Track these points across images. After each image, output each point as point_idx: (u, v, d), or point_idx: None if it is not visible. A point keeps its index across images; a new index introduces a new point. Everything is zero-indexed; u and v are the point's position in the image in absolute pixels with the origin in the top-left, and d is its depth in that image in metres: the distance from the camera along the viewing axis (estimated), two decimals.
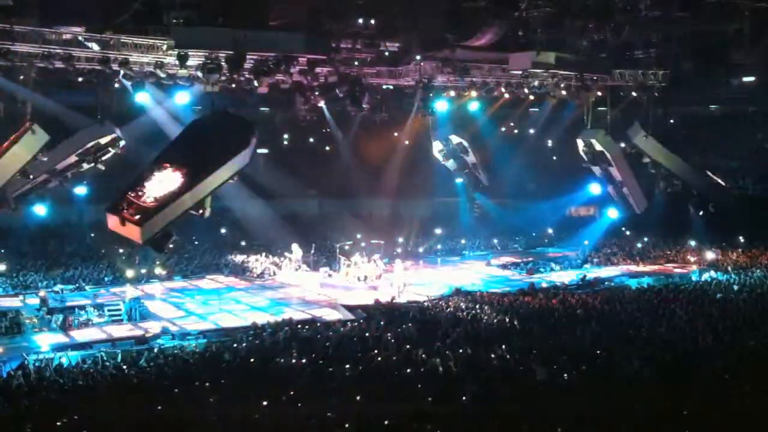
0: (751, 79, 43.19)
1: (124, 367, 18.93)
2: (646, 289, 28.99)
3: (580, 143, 35.36)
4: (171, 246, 22.53)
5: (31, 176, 27.52)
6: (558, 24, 34.02)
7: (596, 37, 35.09)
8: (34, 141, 25.90)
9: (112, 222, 20.85)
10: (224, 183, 22.89)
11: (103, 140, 28.81)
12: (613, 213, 38.53)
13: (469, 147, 39.19)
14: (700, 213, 36.89)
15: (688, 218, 39.10)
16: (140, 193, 21.00)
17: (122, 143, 29.39)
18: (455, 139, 38.98)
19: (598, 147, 34.67)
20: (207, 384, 17.08)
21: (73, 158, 28.93)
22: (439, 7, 32.38)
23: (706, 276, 32.52)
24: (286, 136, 48.76)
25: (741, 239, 39.82)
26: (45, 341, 22.59)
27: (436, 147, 39.39)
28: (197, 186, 21.58)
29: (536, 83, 35.01)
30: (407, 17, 32.94)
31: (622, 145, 35.81)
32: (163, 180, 21.51)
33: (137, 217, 20.35)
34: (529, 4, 31.74)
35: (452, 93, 36.39)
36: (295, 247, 34.20)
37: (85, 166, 29.40)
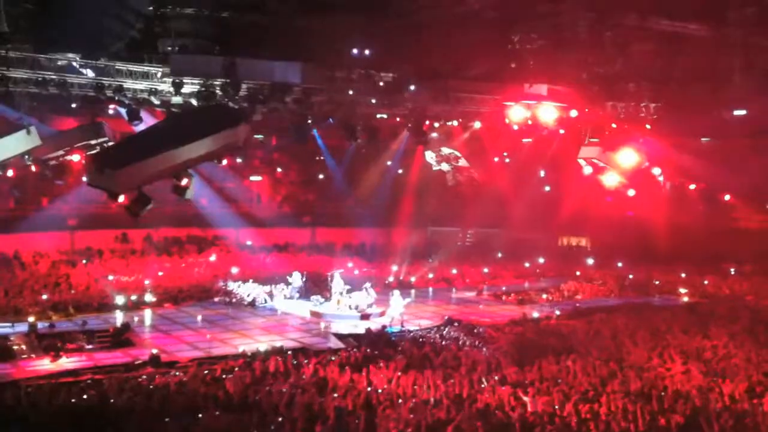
0: (743, 112, 43.53)
1: (111, 395, 18.76)
2: (638, 319, 28.94)
3: (581, 161, 36.04)
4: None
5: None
6: (551, 56, 34.42)
7: (589, 69, 35.50)
8: (26, 140, 26.41)
9: (90, 173, 21.14)
10: (204, 157, 22.96)
11: (94, 141, 28.91)
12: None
13: (461, 155, 39.64)
14: None
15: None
16: (120, 149, 21.45)
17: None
18: (447, 150, 39.41)
19: (599, 163, 35.37)
20: (195, 413, 16.93)
21: (60, 152, 29.17)
22: (432, 39, 32.75)
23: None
24: (279, 163, 48.96)
25: (732, 270, 40.12)
26: (33, 367, 22.40)
27: (429, 155, 39.80)
28: (176, 149, 21.72)
29: (528, 114, 35.25)
30: (402, 48, 33.32)
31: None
32: (143, 142, 21.98)
33: (114, 163, 20.66)
34: (523, 37, 32.17)
35: (446, 122, 36.66)
36: (295, 275, 34.22)
37: (70, 158, 29.68)
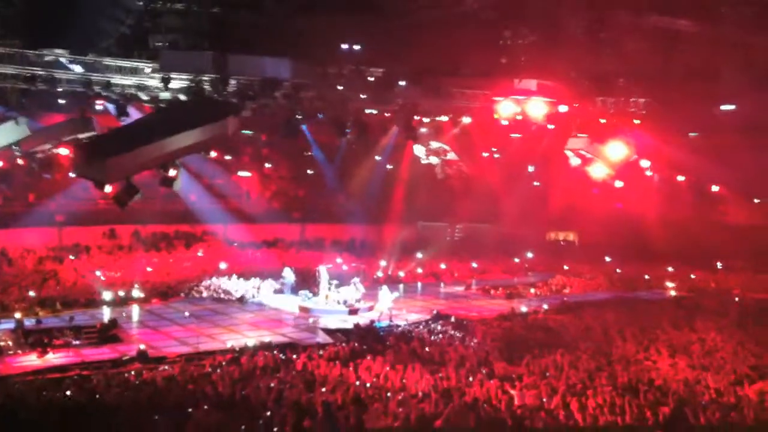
0: (731, 107, 43.72)
1: (99, 391, 18.72)
2: (626, 313, 29.10)
3: (568, 153, 36.21)
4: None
5: None
6: (542, 52, 34.45)
7: (580, 65, 35.55)
8: (14, 131, 26.45)
9: (79, 163, 21.20)
10: (192, 147, 22.93)
11: (83, 135, 28.83)
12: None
13: (450, 149, 39.73)
14: None
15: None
16: (108, 139, 21.53)
17: None
18: (435, 144, 39.49)
19: (587, 154, 35.50)
20: (183, 409, 16.90)
21: (48, 145, 29.22)
22: (423, 35, 32.70)
23: None
24: (268, 159, 48.85)
25: (719, 265, 40.44)
26: (20, 363, 22.32)
27: (418, 149, 39.88)
28: (164, 139, 21.74)
29: (518, 109, 35.28)
30: (392, 44, 33.26)
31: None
32: (132, 133, 22.11)
33: (103, 153, 20.66)
34: (515, 33, 32.19)
35: (436, 117, 36.70)
36: (288, 271, 34.20)
37: (57, 151, 29.75)
